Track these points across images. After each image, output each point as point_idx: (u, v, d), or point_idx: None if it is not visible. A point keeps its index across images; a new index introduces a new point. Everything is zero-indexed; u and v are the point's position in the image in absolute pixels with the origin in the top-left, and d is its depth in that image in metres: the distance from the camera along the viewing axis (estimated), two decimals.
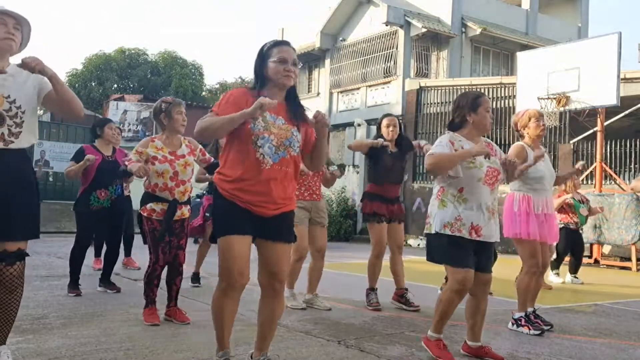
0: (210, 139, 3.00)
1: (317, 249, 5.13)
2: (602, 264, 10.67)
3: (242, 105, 2.78)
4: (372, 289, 5.22)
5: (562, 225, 7.75)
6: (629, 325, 4.92)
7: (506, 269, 8.56)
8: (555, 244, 7.27)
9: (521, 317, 4.47)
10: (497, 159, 3.58)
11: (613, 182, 11.40)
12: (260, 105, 2.67)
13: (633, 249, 10.05)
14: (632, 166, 12.12)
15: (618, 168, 11.98)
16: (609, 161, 11.82)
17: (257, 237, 2.91)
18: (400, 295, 5.26)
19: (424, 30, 17.94)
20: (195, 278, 6.30)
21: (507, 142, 14.23)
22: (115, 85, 32.02)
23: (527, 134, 4.57)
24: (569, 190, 7.96)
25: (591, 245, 10.83)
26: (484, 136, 3.76)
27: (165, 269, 4.41)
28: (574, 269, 8.00)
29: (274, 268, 2.92)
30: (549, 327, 4.54)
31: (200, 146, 4.52)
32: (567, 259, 8.16)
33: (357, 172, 17.46)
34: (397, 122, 5.35)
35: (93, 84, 31.82)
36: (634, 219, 9.72)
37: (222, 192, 2.87)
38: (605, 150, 11.64)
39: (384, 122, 5.32)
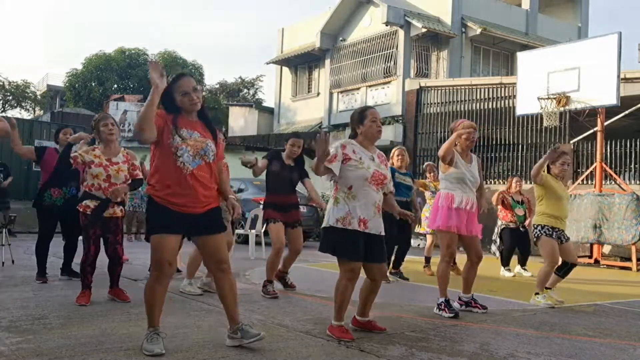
0: (143, 131, 3.29)
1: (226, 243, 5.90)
2: (602, 264, 10.65)
3: (161, 120, 3.39)
4: (269, 281, 5.73)
5: (504, 225, 8.63)
6: (629, 325, 4.91)
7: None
8: (499, 243, 8.65)
9: (442, 302, 4.98)
10: (386, 168, 4.17)
11: (613, 182, 11.39)
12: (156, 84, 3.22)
13: (633, 248, 10.03)
14: (632, 166, 12.11)
15: (618, 168, 11.97)
16: (609, 161, 11.81)
17: (193, 234, 3.56)
18: (280, 277, 6.04)
19: (424, 30, 17.94)
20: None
21: (507, 142, 14.24)
22: (115, 86, 32.01)
23: (458, 143, 5.14)
24: (510, 191, 8.77)
25: (591, 245, 10.82)
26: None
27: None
28: (522, 262, 8.62)
29: (217, 255, 3.53)
30: (484, 310, 5.14)
31: (136, 162, 5.30)
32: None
33: None
34: (301, 143, 5.97)
35: (93, 84, 31.81)
36: (634, 219, 9.71)
37: (155, 198, 3.43)
38: (605, 150, 11.63)
39: (290, 141, 5.96)
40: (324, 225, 4.04)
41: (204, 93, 34.52)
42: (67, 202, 5.97)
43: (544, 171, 5.84)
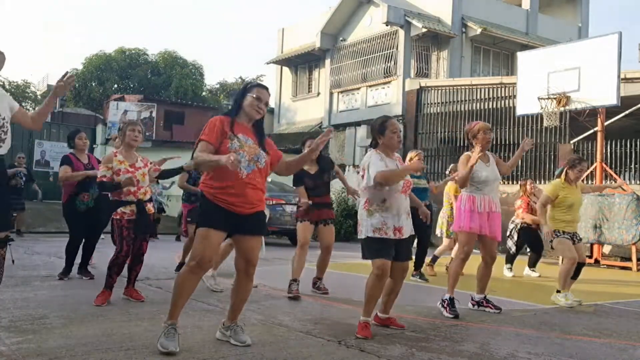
0: (202, 170, 3.63)
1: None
2: (602, 264, 10.66)
3: (219, 132, 3.55)
4: (294, 280, 5.71)
5: (525, 224, 8.66)
6: (629, 325, 4.92)
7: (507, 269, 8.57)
8: (516, 239, 8.63)
9: (447, 299, 5.01)
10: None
11: (613, 182, 11.39)
12: (230, 162, 3.32)
13: (633, 249, 10.04)
14: (632, 166, 12.11)
15: (618, 168, 11.97)
16: (609, 161, 11.81)
17: (235, 234, 3.62)
18: (314, 283, 6.05)
19: (424, 30, 17.94)
20: (180, 267, 6.94)
21: (507, 142, 14.24)
22: (116, 86, 32.01)
23: (476, 143, 5.19)
24: (529, 195, 8.82)
25: (591, 245, 10.82)
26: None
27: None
28: (532, 264, 8.61)
29: (250, 256, 3.66)
30: (498, 311, 5.17)
31: (149, 163, 5.43)
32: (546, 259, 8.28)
33: (358, 172, 17.45)
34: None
35: (93, 84, 31.83)
36: (634, 219, 9.71)
37: (208, 195, 3.56)
38: (606, 150, 11.63)
39: (307, 143, 5.86)
40: (361, 236, 4.21)
41: (204, 93, 34.21)
42: (96, 202, 6.24)
43: (563, 179, 6.07)
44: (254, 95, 3.65)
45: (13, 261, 7.43)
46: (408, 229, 4.24)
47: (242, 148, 3.54)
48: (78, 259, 6.47)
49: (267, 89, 3.78)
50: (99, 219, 6.33)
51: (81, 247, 6.43)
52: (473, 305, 5.28)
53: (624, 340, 4.31)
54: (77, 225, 6.32)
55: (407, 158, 7.35)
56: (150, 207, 5.26)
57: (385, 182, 4.10)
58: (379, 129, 4.28)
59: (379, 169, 4.10)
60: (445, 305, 4.98)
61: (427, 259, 8.12)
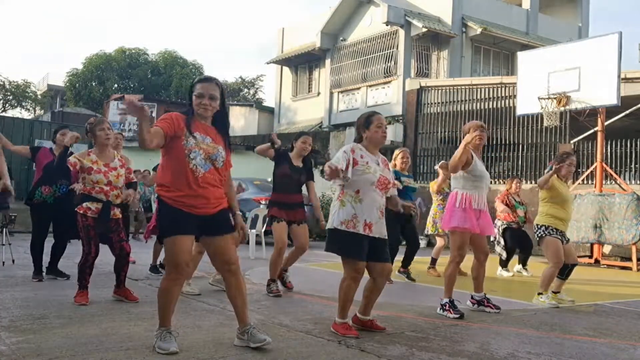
0: (144, 142, 3.27)
1: None
2: (603, 264, 10.65)
3: (173, 123, 3.40)
4: (273, 280, 5.78)
5: (506, 225, 8.53)
6: (629, 325, 4.92)
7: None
8: (503, 243, 8.46)
9: (446, 302, 4.95)
10: (389, 172, 4.27)
11: (613, 182, 11.39)
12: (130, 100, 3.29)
13: (633, 248, 10.04)
14: (633, 166, 12.10)
15: (618, 168, 11.96)
16: (609, 161, 11.81)
17: (204, 236, 3.55)
18: (280, 276, 5.99)
19: (424, 30, 17.93)
20: (155, 269, 6.85)
21: (507, 142, 14.24)
22: (116, 85, 32.03)
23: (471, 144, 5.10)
24: (512, 192, 8.71)
25: (591, 245, 10.82)
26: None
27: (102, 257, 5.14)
28: (523, 262, 8.58)
29: (225, 256, 3.55)
30: (498, 311, 5.16)
31: (130, 165, 5.36)
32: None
33: None
34: (311, 141, 6.05)
35: (93, 83, 31.84)
36: (634, 219, 9.71)
37: (167, 200, 3.43)
38: (606, 150, 11.62)
39: (301, 139, 5.99)
40: (328, 226, 4.13)
41: None
42: (57, 201, 6.02)
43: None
44: (196, 93, 3.50)
45: (13, 261, 7.44)
46: (380, 229, 4.08)
47: (197, 146, 3.43)
48: (67, 260, 6.47)
49: (210, 80, 3.57)
50: (61, 220, 6.08)
51: (51, 246, 6.31)
52: (473, 304, 5.27)
53: (624, 340, 4.31)
54: (36, 219, 6.15)
55: (393, 156, 7.34)
56: (116, 212, 5.08)
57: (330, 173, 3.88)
58: (364, 123, 4.18)
59: (338, 162, 3.97)
60: (447, 309, 4.92)
61: (425, 258, 8.13)
